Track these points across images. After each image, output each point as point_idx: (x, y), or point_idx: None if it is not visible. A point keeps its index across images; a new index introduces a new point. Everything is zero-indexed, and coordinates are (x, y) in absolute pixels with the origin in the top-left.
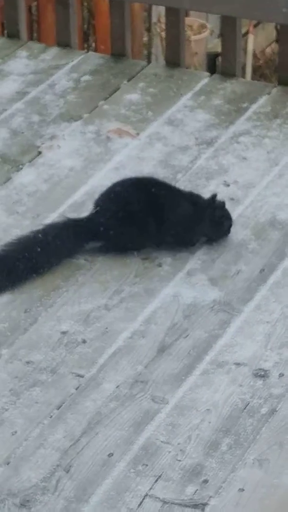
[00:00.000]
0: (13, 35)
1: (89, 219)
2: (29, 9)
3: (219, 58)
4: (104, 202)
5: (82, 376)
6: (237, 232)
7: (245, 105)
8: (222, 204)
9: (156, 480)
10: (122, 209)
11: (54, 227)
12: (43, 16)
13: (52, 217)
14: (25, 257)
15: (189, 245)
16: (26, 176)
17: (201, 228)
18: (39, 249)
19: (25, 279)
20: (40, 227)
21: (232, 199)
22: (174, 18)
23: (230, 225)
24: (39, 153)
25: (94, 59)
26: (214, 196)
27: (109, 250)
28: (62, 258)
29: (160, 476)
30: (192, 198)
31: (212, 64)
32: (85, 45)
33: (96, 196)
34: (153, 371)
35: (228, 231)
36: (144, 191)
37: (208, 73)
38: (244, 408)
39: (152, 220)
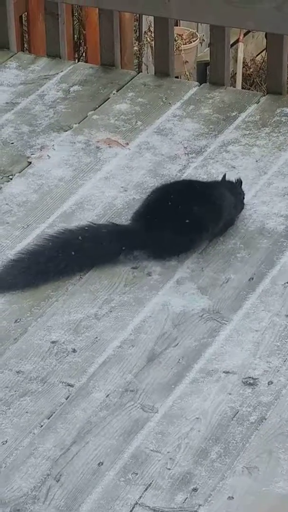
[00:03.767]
0: (3, 46)
1: (131, 226)
2: (20, 19)
3: (209, 67)
4: (145, 209)
5: (72, 386)
6: (226, 241)
7: (234, 114)
8: (238, 180)
9: (146, 489)
10: (164, 215)
11: (94, 230)
12: (33, 26)
13: (42, 227)
14: (58, 258)
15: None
16: (16, 186)
17: (236, 208)
18: (73, 253)
19: (52, 280)
20: (84, 227)
21: None
22: (163, 27)
23: (244, 197)
24: (29, 163)
25: (83, 69)
26: (225, 176)
27: (153, 256)
28: (97, 264)
29: (149, 485)
30: (221, 185)
31: (203, 73)
32: (76, 56)
33: (87, 205)
34: (142, 380)
35: (243, 203)
36: (181, 193)
37: (197, 83)
38: (233, 416)
39: (202, 219)
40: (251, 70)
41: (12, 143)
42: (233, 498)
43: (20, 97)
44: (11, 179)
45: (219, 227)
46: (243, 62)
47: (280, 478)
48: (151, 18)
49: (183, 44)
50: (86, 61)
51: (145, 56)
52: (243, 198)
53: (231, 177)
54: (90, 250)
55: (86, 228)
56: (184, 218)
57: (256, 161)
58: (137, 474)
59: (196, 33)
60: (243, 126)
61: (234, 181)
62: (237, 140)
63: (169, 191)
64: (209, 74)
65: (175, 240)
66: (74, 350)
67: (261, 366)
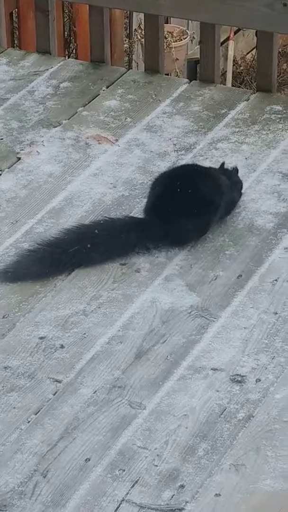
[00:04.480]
0: None
1: (146, 217)
2: (10, 15)
3: (199, 65)
4: (156, 199)
5: (60, 381)
6: (215, 238)
7: (223, 111)
8: (235, 168)
9: (133, 485)
10: (175, 202)
11: (110, 224)
12: (24, 22)
13: (31, 223)
14: (73, 250)
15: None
16: (5, 182)
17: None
18: (89, 246)
19: (68, 271)
20: (99, 221)
21: None
22: (153, 24)
23: (242, 185)
24: (18, 159)
25: (73, 65)
26: (223, 164)
27: (175, 245)
28: (113, 257)
29: (136, 481)
30: (220, 172)
31: (193, 71)
32: (66, 52)
33: (76, 202)
34: (130, 377)
35: (241, 192)
36: (186, 178)
37: (187, 80)
38: (221, 414)
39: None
40: (241, 68)
41: (2, 139)
42: (220, 495)
43: (10, 93)
44: (0, 174)
45: (226, 207)
46: (234, 60)
47: (267, 475)
48: (142, 16)
49: (174, 42)
50: (76, 58)
51: (135, 53)
52: (241, 186)
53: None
54: (107, 243)
55: (102, 222)
56: (195, 202)
57: (246, 158)
58: (124, 470)
59: (187, 30)
60: (233, 123)
61: (230, 169)
62: (227, 137)
63: (174, 178)
64: (199, 71)
65: (192, 225)
66: (62, 346)
67: (249, 363)
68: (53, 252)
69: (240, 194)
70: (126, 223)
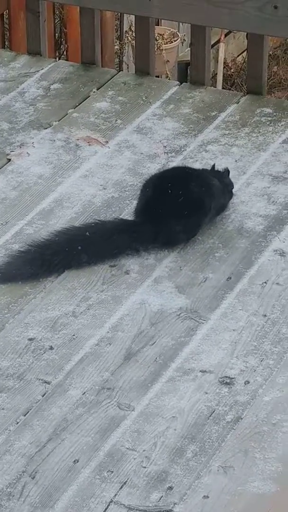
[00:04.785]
0: None
1: (137, 219)
2: (1, 17)
3: (190, 67)
4: (146, 201)
5: (48, 383)
6: (204, 240)
7: (213, 113)
8: (226, 169)
9: (121, 487)
10: (166, 206)
11: (101, 226)
12: (15, 24)
13: (20, 224)
14: (64, 251)
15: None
16: None
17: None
18: (79, 247)
19: (58, 272)
20: (90, 223)
21: None
22: (144, 26)
23: (233, 187)
24: (8, 160)
25: (64, 67)
26: (214, 166)
27: (164, 247)
28: (103, 259)
29: (125, 483)
30: (211, 174)
31: (184, 73)
32: (57, 53)
33: (66, 203)
34: (119, 378)
35: (232, 193)
36: (176, 180)
37: (177, 82)
38: (210, 416)
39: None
40: (232, 70)
41: None
42: (208, 497)
43: (0, 94)
44: None
45: (216, 209)
46: (224, 63)
47: (256, 477)
48: (132, 18)
49: (164, 44)
50: (66, 59)
51: (126, 55)
52: (232, 187)
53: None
54: (98, 244)
55: (93, 224)
56: (185, 204)
57: (236, 161)
58: (112, 472)
59: (177, 33)
60: (223, 126)
61: (222, 170)
62: (217, 139)
63: (164, 180)
64: (189, 73)
65: (182, 227)
66: (51, 348)
67: (238, 365)
68: (44, 253)
69: (231, 195)
70: (117, 225)
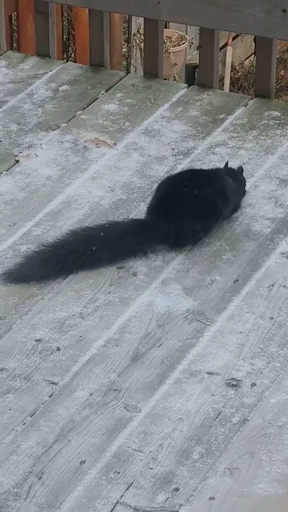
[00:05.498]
0: None
1: (150, 220)
2: (10, 18)
3: (198, 70)
4: (159, 202)
5: (55, 384)
6: (212, 243)
7: (221, 116)
8: (240, 167)
9: (128, 488)
10: (178, 205)
11: (115, 226)
12: (23, 26)
13: (28, 226)
14: (78, 251)
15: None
16: (3, 185)
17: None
18: (94, 248)
19: (72, 273)
20: (103, 224)
21: None
22: (153, 29)
23: (245, 184)
24: (17, 161)
25: (72, 69)
26: (227, 163)
27: (174, 248)
28: (117, 259)
29: (131, 484)
30: (224, 172)
31: (192, 76)
32: (65, 55)
33: (73, 205)
34: (126, 380)
35: (245, 191)
36: (190, 182)
37: (185, 84)
38: (216, 417)
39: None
40: (239, 74)
41: (0, 141)
42: (214, 498)
43: (9, 96)
44: None
45: (229, 210)
46: (232, 66)
47: (262, 479)
48: (141, 20)
49: (172, 47)
50: (75, 61)
51: (134, 57)
52: (245, 185)
53: (233, 165)
54: (112, 245)
55: (106, 225)
56: (198, 206)
57: (243, 163)
58: (119, 473)
59: (186, 35)
60: (231, 128)
61: (235, 168)
62: (225, 142)
63: (178, 181)
64: (197, 76)
65: (193, 228)
66: (58, 349)
67: (245, 367)
68: (58, 254)
69: (244, 192)
70: (129, 226)
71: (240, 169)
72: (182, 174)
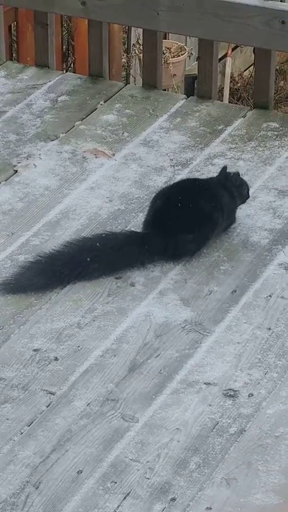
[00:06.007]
0: None
1: (147, 231)
2: (9, 29)
3: (197, 81)
4: (156, 213)
5: (53, 394)
6: (210, 253)
7: (220, 127)
8: (236, 173)
9: (125, 498)
10: (175, 217)
11: (112, 237)
12: (23, 36)
13: (26, 236)
14: (74, 262)
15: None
16: (2, 195)
17: (238, 200)
18: (88, 259)
19: (70, 283)
20: (100, 234)
21: None
22: (152, 40)
23: (248, 188)
24: (15, 171)
25: (71, 79)
26: (225, 168)
27: (171, 259)
28: (113, 270)
29: (128, 494)
30: (221, 182)
31: (191, 86)
32: (64, 66)
33: (72, 215)
34: (124, 390)
35: (248, 194)
36: (186, 193)
37: (184, 95)
38: (213, 428)
39: (211, 216)
40: (239, 84)
41: None
42: (211, 509)
43: (7, 106)
44: None
45: (225, 219)
46: (231, 77)
47: (258, 490)
48: (140, 31)
49: (171, 57)
50: (74, 72)
51: (133, 68)
52: (247, 189)
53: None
54: (108, 256)
55: (103, 235)
56: (194, 217)
57: (242, 174)
58: (116, 483)
59: (185, 46)
60: (229, 139)
61: (231, 174)
62: (223, 153)
63: (174, 192)
64: (196, 87)
65: (190, 241)
66: (56, 358)
67: (242, 378)
68: (54, 264)
69: (247, 197)
70: (127, 237)
71: (236, 175)
72: (176, 185)
